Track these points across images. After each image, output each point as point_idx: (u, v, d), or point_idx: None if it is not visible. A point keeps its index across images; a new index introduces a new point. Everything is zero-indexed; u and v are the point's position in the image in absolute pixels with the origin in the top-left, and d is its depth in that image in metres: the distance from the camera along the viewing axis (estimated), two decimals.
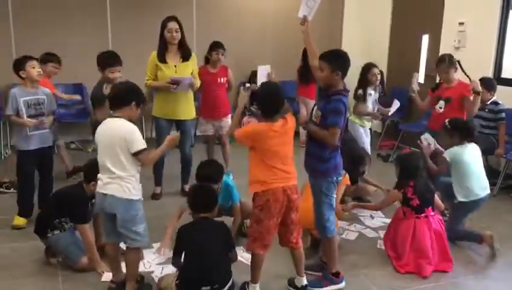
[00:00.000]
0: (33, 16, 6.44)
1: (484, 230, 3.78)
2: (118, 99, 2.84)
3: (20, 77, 3.84)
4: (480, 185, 3.80)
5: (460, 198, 3.78)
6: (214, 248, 2.81)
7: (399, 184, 3.61)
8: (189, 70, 4.49)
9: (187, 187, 4.75)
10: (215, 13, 7.30)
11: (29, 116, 3.83)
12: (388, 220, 4.30)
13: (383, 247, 3.72)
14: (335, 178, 3.00)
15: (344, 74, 2.89)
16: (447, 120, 3.93)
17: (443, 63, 4.35)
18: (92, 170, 3.05)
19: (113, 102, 2.84)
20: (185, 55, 4.46)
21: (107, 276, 3.16)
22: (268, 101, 2.82)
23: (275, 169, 2.79)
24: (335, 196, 3.07)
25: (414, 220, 3.50)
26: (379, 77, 4.86)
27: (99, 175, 2.84)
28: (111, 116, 2.85)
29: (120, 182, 2.77)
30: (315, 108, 2.98)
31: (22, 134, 3.86)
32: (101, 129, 2.84)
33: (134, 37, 6.57)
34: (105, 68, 3.78)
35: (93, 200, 3.09)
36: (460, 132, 3.83)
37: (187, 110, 4.61)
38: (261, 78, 3.60)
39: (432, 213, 3.56)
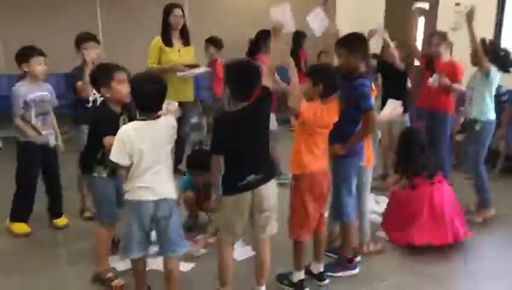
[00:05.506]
0: (18, 5, 6.25)
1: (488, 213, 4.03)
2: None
3: (23, 70, 3.55)
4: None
5: (490, 116, 3.94)
6: (257, 137, 2.59)
7: (400, 171, 3.73)
8: (191, 54, 4.64)
9: (181, 166, 4.70)
10: (207, 6, 7.19)
11: (37, 115, 3.59)
12: None
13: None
14: (355, 162, 3.00)
15: (363, 55, 2.92)
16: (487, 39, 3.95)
17: (435, 35, 4.49)
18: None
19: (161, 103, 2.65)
20: (187, 40, 4.62)
21: None
22: (329, 81, 2.73)
23: (317, 151, 2.75)
24: (355, 181, 3.04)
25: (430, 187, 3.52)
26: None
27: (143, 183, 2.56)
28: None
29: (171, 183, 2.64)
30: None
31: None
32: (146, 130, 2.55)
33: (124, 27, 6.45)
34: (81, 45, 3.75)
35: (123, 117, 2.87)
36: (493, 54, 3.87)
37: (187, 92, 4.67)
38: (315, 23, 3.06)
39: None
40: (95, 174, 2.92)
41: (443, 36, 4.39)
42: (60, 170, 3.90)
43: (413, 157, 3.62)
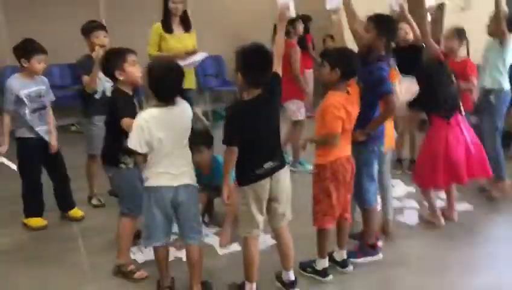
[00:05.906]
0: None
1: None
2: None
3: (21, 64, 3.44)
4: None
5: (505, 85, 3.88)
6: (272, 123, 2.55)
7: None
8: (191, 41, 4.44)
9: None
10: None
11: (33, 111, 3.48)
12: (410, 188, 4.26)
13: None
14: (376, 148, 2.94)
15: (388, 40, 2.91)
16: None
17: (451, 30, 4.25)
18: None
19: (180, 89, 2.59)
20: (187, 27, 4.43)
21: None
22: (347, 65, 2.66)
23: (341, 139, 2.69)
24: (377, 166, 3.00)
25: (445, 127, 3.42)
26: None
27: (162, 169, 2.54)
28: None
29: (190, 169, 2.62)
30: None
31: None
32: (164, 117, 2.51)
33: (126, 15, 6.38)
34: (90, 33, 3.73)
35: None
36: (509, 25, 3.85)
37: (188, 79, 4.38)
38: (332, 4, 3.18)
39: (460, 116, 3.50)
40: (123, 165, 2.85)
41: (459, 33, 4.12)
42: (68, 163, 3.83)
43: (436, 90, 3.43)
